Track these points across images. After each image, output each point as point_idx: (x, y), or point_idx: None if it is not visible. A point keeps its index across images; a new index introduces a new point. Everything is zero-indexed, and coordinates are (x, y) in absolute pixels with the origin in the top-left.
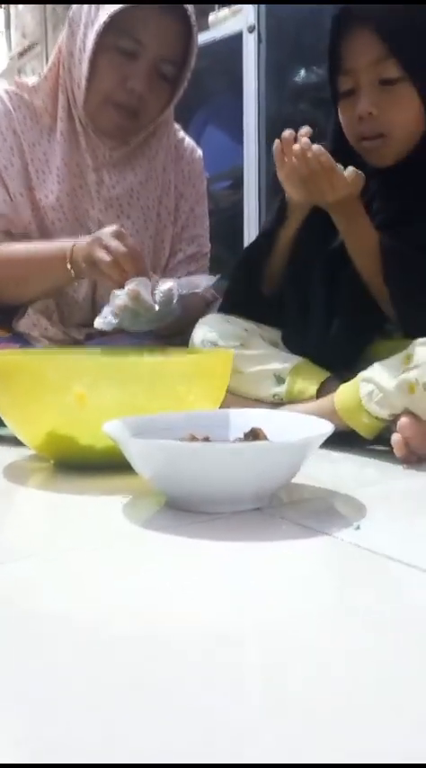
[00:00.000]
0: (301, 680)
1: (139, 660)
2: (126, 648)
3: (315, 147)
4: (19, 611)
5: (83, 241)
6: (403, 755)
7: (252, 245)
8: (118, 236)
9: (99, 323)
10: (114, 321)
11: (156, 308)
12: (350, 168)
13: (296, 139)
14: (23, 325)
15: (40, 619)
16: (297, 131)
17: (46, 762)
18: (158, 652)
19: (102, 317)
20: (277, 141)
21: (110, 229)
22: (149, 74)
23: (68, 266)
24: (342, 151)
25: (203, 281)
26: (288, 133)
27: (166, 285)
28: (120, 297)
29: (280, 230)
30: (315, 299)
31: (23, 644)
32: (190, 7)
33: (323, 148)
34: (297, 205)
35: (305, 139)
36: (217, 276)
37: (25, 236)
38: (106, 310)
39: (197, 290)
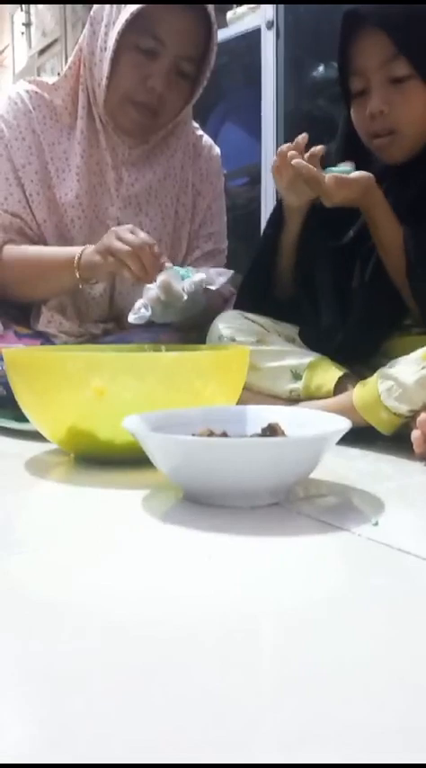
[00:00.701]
0: (314, 666)
1: (154, 646)
2: (142, 635)
3: (296, 161)
4: (38, 599)
5: (91, 247)
6: (415, 740)
7: (258, 252)
8: (132, 231)
9: (133, 318)
10: (147, 314)
11: (185, 297)
12: (329, 175)
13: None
14: (40, 323)
15: (59, 606)
16: (311, 130)
17: (63, 743)
18: (173, 638)
19: (135, 311)
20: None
21: (124, 226)
22: (169, 72)
23: (76, 272)
24: (354, 150)
25: (218, 278)
26: (286, 147)
27: (198, 276)
28: (153, 289)
29: (281, 236)
30: (327, 298)
31: (43, 630)
32: (210, 6)
33: (303, 163)
34: (293, 209)
35: (291, 152)
36: (232, 273)
37: (40, 237)
38: (139, 303)
39: (211, 287)
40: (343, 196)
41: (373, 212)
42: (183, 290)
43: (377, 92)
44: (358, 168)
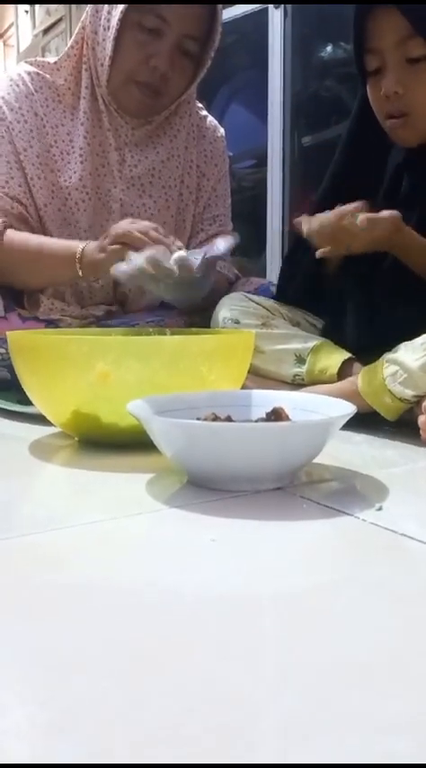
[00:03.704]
0: (317, 650)
1: (156, 629)
2: (144, 618)
3: (309, 225)
4: (40, 582)
5: (93, 244)
6: (413, 725)
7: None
8: (132, 222)
9: (117, 270)
10: (127, 270)
11: (176, 272)
12: (360, 218)
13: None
14: (41, 311)
15: (62, 589)
16: (318, 110)
17: (63, 725)
18: (176, 620)
19: (118, 268)
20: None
21: (124, 221)
22: (172, 52)
23: (78, 270)
24: (368, 129)
25: (222, 244)
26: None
27: (183, 252)
28: (136, 257)
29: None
30: (353, 298)
31: (46, 613)
32: None
33: (315, 229)
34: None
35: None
36: (236, 238)
37: (40, 222)
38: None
39: (218, 254)
40: (370, 240)
41: (406, 249)
42: (193, 267)
43: (391, 72)
44: (372, 152)
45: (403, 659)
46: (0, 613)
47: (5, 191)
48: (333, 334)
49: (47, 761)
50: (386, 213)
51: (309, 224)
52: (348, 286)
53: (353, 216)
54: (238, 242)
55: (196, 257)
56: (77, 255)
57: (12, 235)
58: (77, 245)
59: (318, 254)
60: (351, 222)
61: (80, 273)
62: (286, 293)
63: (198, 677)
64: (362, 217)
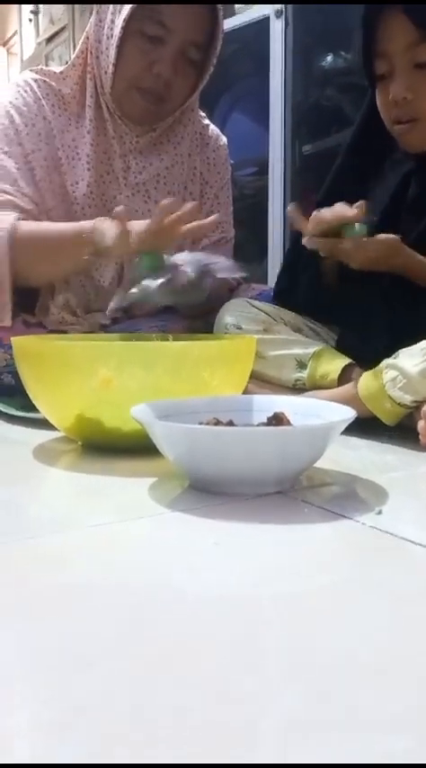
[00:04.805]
0: (317, 653)
1: (160, 632)
2: (147, 621)
3: (306, 240)
4: (44, 585)
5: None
6: (412, 724)
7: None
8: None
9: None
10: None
11: (161, 281)
12: (347, 239)
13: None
14: (49, 322)
15: (66, 592)
16: (319, 119)
17: (67, 724)
18: (179, 622)
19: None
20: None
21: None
22: (175, 59)
23: (89, 238)
24: (374, 134)
25: (226, 269)
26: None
27: (197, 258)
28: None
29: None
30: (373, 317)
31: (50, 615)
32: None
33: (315, 240)
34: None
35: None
36: (242, 274)
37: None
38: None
39: (216, 273)
40: (365, 258)
41: (408, 271)
42: (187, 271)
43: (400, 77)
44: (378, 157)
45: (403, 660)
46: (3, 613)
47: (18, 189)
48: (352, 341)
49: (48, 761)
50: (381, 237)
51: (308, 228)
52: (363, 293)
53: (350, 231)
54: (243, 275)
55: (189, 269)
56: (89, 227)
57: (26, 225)
58: (87, 222)
59: (308, 245)
60: (347, 242)
61: (89, 240)
62: (288, 298)
63: (199, 677)
64: (348, 240)
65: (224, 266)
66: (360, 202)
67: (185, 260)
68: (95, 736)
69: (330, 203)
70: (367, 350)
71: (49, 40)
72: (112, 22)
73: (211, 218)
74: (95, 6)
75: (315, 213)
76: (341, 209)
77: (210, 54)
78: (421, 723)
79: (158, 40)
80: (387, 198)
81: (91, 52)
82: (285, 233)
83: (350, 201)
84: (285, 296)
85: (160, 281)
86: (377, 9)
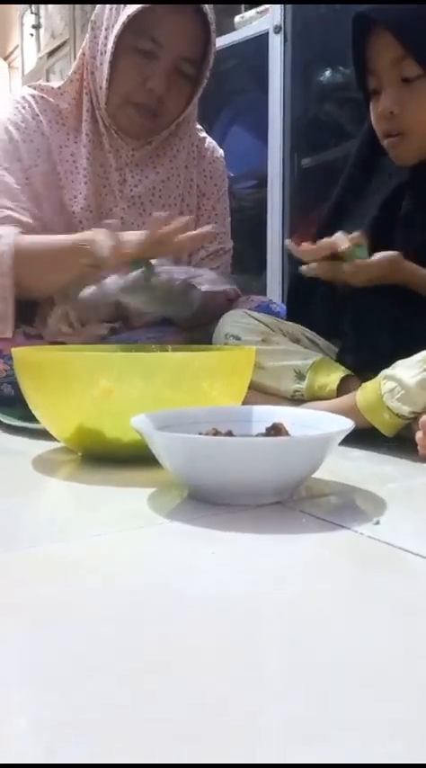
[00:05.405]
0: (315, 663)
1: (158, 641)
2: (146, 630)
3: (304, 268)
4: (44, 595)
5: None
6: (410, 727)
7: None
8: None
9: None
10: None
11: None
12: (346, 265)
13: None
14: (48, 333)
15: (65, 601)
16: (318, 134)
17: (68, 731)
18: (177, 633)
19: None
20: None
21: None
22: (168, 73)
23: (81, 247)
24: (374, 149)
25: (211, 282)
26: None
27: (181, 272)
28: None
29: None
30: (378, 313)
31: (50, 624)
32: (206, 6)
33: (313, 267)
34: None
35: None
36: (227, 287)
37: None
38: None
39: (201, 283)
40: (367, 278)
41: (411, 284)
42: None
43: (388, 92)
44: (376, 171)
45: (401, 665)
46: (5, 621)
47: (19, 204)
48: (359, 351)
49: (50, 761)
50: (379, 256)
51: (305, 257)
52: (369, 301)
53: (349, 253)
54: (232, 287)
55: (169, 276)
56: (79, 238)
57: (27, 239)
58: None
59: (307, 273)
60: (348, 266)
61: (83, 249)
62: (301, 314)
63: (198, 681)
64: (347, 265)
65: (209, 279)
66: (357, 234)
67: (170, 270)
68: (95, 737)
69: (337, 218)
70: (379, 363)
71: (51, 54)
72: (106, 38)
73: (205, 228)
74: (90, 22)
75: (312, 246)
76: (339, 240)
77: (204, 67)
78: (419, 726)
79: (151, 55)
80: (378, 209)
81: (87, 68)
82: (283, 246)
83: (354, 217)
84: (298, 308)
85: (121, 281)
86: (364, 28)
